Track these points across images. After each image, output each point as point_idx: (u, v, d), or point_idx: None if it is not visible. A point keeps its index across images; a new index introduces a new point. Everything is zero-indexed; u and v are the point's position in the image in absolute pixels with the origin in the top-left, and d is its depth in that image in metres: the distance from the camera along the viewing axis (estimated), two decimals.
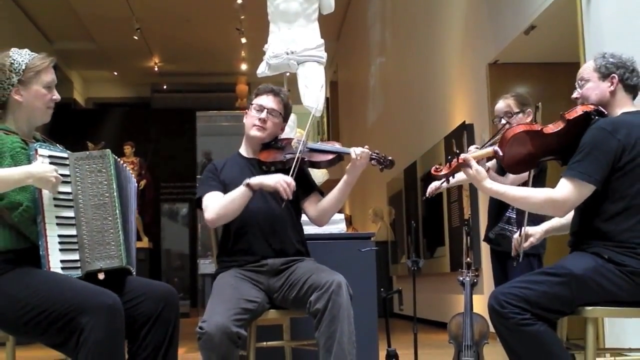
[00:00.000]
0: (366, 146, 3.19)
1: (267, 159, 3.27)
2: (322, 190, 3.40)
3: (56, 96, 2.79)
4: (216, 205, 3.14)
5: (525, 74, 6.35)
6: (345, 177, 3.23)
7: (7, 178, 2.49)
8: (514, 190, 2.82)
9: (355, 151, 3.16)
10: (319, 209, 3.31)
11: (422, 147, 9.04)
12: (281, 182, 3.01)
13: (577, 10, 4.82)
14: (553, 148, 2.83)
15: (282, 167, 3.19)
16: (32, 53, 2.76)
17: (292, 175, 3.08)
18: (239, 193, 3.08)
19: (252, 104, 3.35)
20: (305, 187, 3.35)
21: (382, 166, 3.18)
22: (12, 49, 2.74)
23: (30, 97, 2.71)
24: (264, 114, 3.29)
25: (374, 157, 3.18)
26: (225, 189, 3.22)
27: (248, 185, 3.06)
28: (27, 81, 2.70)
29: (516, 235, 3.24)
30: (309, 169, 3.42)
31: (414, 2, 9.72)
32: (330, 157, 3.25)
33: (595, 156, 2.64)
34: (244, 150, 3.42)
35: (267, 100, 3.32)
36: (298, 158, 3.18)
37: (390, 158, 3.19)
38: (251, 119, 3.32)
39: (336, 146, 3.29)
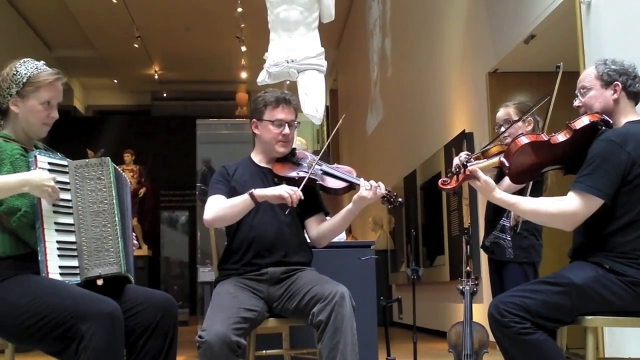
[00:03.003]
0: (380, 182, 3.12)
1: (280, 172, 3.25)
2: (327, 212, 3.36)
3: (53, 115, 2.75)
4: (216, 207, 3.14)
5: (525, 83, 6.34)
6: (350, 206, 3.17)
7: (3, 185, 2.49)
8: (524, 202, 2.78)
9: (365, 185, 3.11)
10: (319, 230, 3.29)
11: (421, 155, 9.04)
12: (287, 190, 2.99)
13: (576, 19, 4.83)
14: (558, 158, 2.80)
15: (292, 184, 3.15)
16: (44, 67, 2.72)
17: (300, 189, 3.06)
18: (241, 200, 3.08)
19: (269, 120, 3.26)
20: (312, 206, 3.31)
21: (391, 206, 3.13)
22: (24, 59, 2.72)
23: (26, 111, 2.69)
24: (286, 129, 3.26)
25: (385, 195, 3.12)
26: (235, 195, 3.20)
27: (251, 195, 3.04)
28: (24, 94, 2.68)
29: None
30: None
31: (414, 10, 9.74)
32: (343, 185, 3.19)
33: (605, 170, 2.60)
34: (257, 158, 3.38)
35: (285, 113, 3.27)
36: (307, 179, 3.14)
37: (400, 199, 3.14)
38: (272, 134, 3.26)
39: (350, 175, 3.22)
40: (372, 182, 3.11)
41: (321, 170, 3.24)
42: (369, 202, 3.13)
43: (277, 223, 3.16)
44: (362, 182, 3.13)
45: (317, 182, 3.20)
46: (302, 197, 3.00)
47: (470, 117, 7.34)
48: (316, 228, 3.30)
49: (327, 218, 3.35)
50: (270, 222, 3.13)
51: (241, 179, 3.28)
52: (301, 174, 3.18)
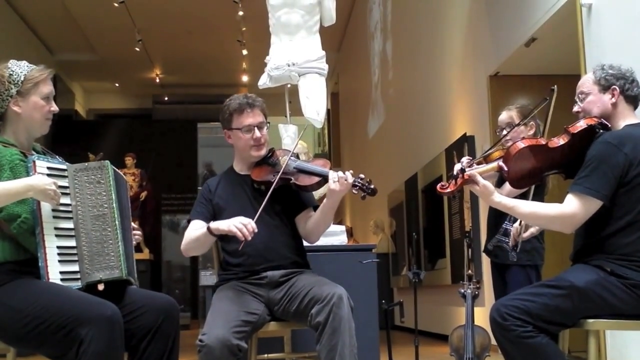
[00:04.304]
0: (350, 171, 3.09)
1: (258, 177, 3.24)
2: (317, 205, 3.32)
3: (54, 108, 2.79)
4: (187, 239, 3.19)
5: (526, 86, 6.34)
6: (325, 200, 3.16)
7: (8, 191, 2.50)
8: (523, 205, 2.79)
9: (333, 178, 3.07)
10: (307, 227, 3.28)
11: (423, 158, 9.04)
12: (235, 224, 2.94)
13: (577, 22, 4.83)
14: (557, 162, 2.81)
15: (270, 187, 3.14)
16: (31, 65, 2.76)
17: (263, 205, 3.05)
18: (202, 235, 3.10)
19: (237, 128, 3.24)
20: (296, 205, 3.31)
21: (365, 194, 3.07)
22: (11, 61, 2.74)
23: (29, 109, 2.71)
24: (257, 133, 3.23)
25: (357, 184, 3.07)
26: (220, 212, 3.22)
27: (209, 229, 3.05)
28: (25, 92, 2.69)
29: (516, 225, 3.24)
30: None
31: (415, 14, 9.75)
32: (316, 179, 3.16)
33: (603, 171, 2.62)
34: (237, 167, 3.38)
35: (252, 117, 3.24)
36: (280, 179, 3.14)
37: (372, 186, 3.07)
38: (244, 141, 3.25)
39: (323, 168, 3.18)
40: (340, 173, 3.07)
41: (295, 167, 3.22)
42: (342, 194, 3.10)
43: (267, 228, 3.15)
44: (330, 174, 3.09)
45: (292, 182, 3.18)
46: (256, 230, 2.94)
47: (471, 120, 7.34)
48: (304, 225, 3.29)
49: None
50: (260, 228, 3.08)
51: (223, 193, 3.29)
52: (277, 176, 3.17)
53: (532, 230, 3.14)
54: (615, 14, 4.60)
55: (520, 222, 3.17)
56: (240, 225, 2.93)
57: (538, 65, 6.24)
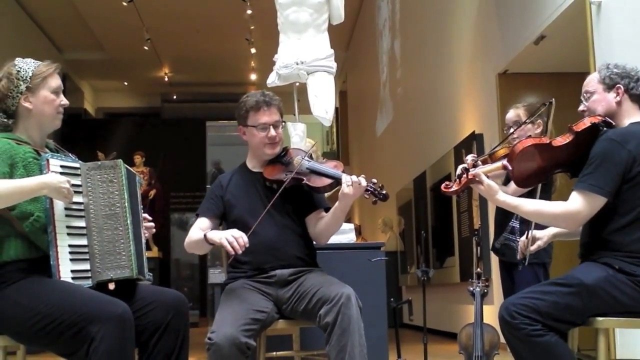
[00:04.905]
0: (361, 177, 3.08)
1: (270, 175, 3.24)
2: (328, 206, 3.31)
3: (64, 101, 2.80)
4: (188, 239, 3.21)
5: (535, 84, 6.34)
6: (337, 203, 3.15)
7: (22, 188, 2.51)
8: (527, 204, 2.79)
9: (346, 181, 3.07)
10: (317, 228, 3.28)
11: (431, 156, 9.03)
12: (227, 237, 2.93)
13: (586, 20, 4.82)
14: (562, 161, 2.82)
15: (281, 186, 3.14)
16: (37, 61, 2.78)
17: (271, 204, 3.06)
18: (200, 240, 3.11)
19: (253, 125, 3.23)
20: (307, 205, 3.30)
21: (376, 199, 3.08)
22: (17, 58, 2.76)
23: (39, 103, 2.72)
24: (272, 132, 3.23)
25: (369, 189, 3.07)
26: (230, 208, 3.23)
27: (205, 237, 3.06)
28: (34, 88, 2.71)
29: (523, 238, 3.24)
30: None
31: (423, 12, 9.74)
32: (328, 182, 3.16)
33: (606, 168, 2.62)
34: (250, 164, 3.38)
35: (268, 116, 3.23)
36: (293, 179, 3.14)
37: (384, 192, 3.08)
38: (259, 139, 3.24)
39: (336, 170, 3.18)
40: (354, 177, 3.07)
41: (308, 168, 3.21)
42: (354, 198, 3.10)
43: (276, 227, 3.17)
44: (343, 177, 3.10)
45: (304, 182, 3.18)
46: (248, 245, 2.94)
47: (480, 118, 7.33)
48: (315, 225, 3.29)
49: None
50: (269, 226, 3.12)
51: (235, 189, 3.30)
52: (289, 175, 3.17)
53: (540, 243, 3.14)
54: (624, 11, 4.59)
55: (527, 235, 3.17)
56: (232, 238, 2.93)
57: (547, 63, 6.22)
